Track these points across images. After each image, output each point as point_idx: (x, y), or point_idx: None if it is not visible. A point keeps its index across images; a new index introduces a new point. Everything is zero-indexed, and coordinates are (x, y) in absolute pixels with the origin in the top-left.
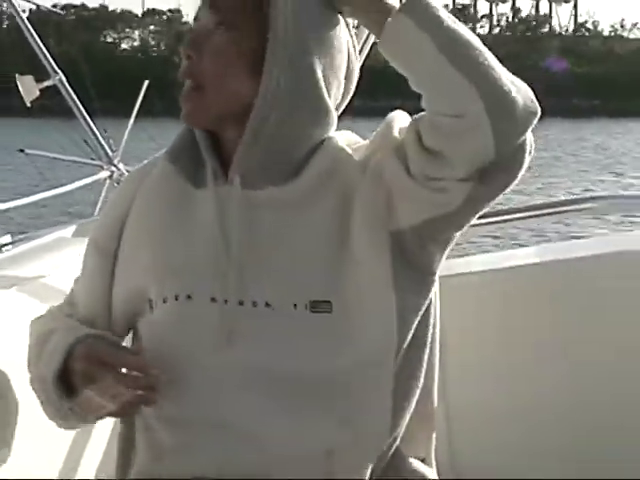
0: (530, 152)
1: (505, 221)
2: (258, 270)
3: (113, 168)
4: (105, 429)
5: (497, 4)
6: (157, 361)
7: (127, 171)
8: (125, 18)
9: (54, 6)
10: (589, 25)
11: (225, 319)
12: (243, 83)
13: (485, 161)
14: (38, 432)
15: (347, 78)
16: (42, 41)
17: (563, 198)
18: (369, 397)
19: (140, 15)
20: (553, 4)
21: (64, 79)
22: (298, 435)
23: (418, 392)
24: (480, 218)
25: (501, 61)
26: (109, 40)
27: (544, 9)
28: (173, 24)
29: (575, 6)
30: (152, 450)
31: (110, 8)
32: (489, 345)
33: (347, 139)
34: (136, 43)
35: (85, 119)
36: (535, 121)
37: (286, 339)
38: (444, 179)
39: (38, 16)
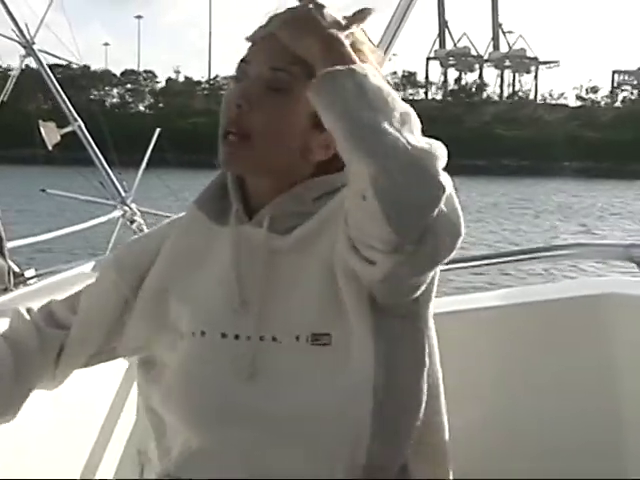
0: (455, 235)
1: (488, 265)
2: (267, 307)
3: (126, 208)
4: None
5: (466, 73)
6: (174, 386)
7: (139, 211)
8: (105, 77)
9: (57, 65)
10: (521, 94)
11: (234, 354)
12: (290, 145)
13: (387, 243)
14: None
15: None
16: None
17: (543, 245)
18: (349, 432)
19: (119, 75)
20: (516, 74)
21: (83, 126)
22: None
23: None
24: (462, 262)
25: (445, 122)
26: (92, 97)
27: (508, 79)
28: (148, 83)
29: (536, 77)
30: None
31: (92, 68)
32: (485, 374)
33: None
34: (115, 100)
35: (101, 162)
36: (434, 212)
37: (287, 372)
38: (371, 249)
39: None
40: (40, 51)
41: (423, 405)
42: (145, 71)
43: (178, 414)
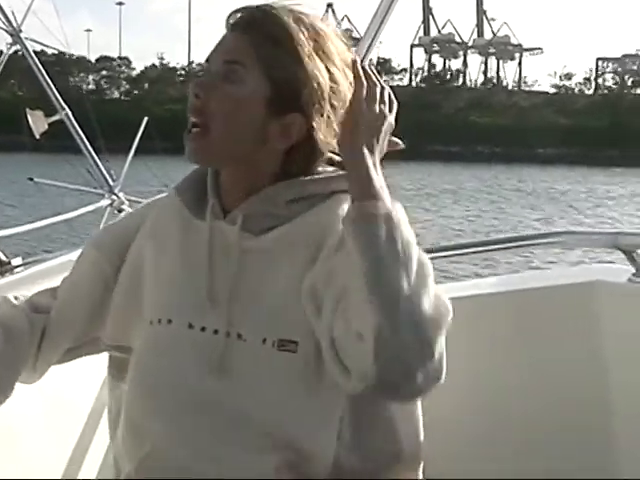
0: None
1: (474, 252)
2: (236, 304)
3: (114, 197)
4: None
5: (450, 60)
6: (138, 373)
7: (127, 200)
8: (80, 64)
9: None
10: (495, 80)
11: (198, 345)
12: (244, 136)
13: (364, 375)
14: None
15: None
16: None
17: (532, 232)
18: (314, 440)
19: (94, 61)
20: (500, 62)
21: (70, 114)
22: (241, 463)
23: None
24: (448, 250)
25: (420, 109)
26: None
27: (490, 66)
28: (124, 70)
29: (519, 64)
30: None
31: (67, 55)
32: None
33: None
34: (91, 86)
35: (89, 150)
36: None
37: (249, 371)
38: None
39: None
40: (27, 39)
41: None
42: (120, 57)
43: (142, 404)
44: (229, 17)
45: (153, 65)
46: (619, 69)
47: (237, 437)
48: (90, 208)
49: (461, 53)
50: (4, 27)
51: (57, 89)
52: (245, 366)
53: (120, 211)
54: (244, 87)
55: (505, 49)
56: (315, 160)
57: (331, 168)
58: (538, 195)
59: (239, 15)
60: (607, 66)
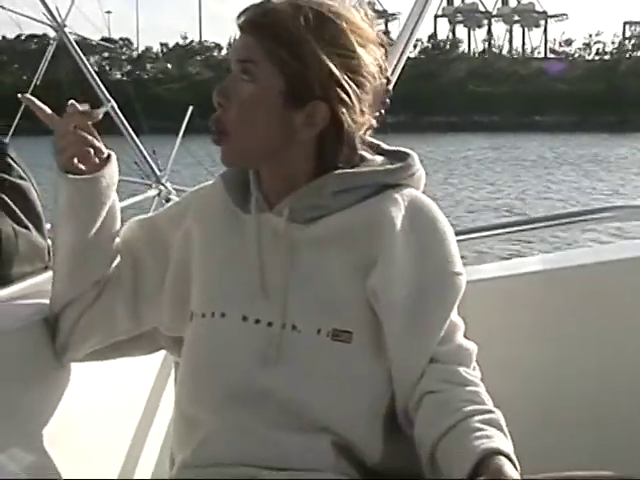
0: None
1: (524, 230)
2: (289, 295)
3: (161, 187)
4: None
5: (474, 29)
6: (193, 365)
7: (174, 189)
8: (81, 45)
9: (32, 35)
10: (495, 49)
11: (254, 337)
12: (267, 133)
13: None
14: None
15: (377, 104)
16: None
17: (584, 208)
18: (360, 429)
19: (95, 43)
20: (525, 29)
21: (116, 106)
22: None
23: None
24: (498, 228)
25: (420, 79)
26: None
27: (510, 34)
28: (125, 51)
29: (545, 31)
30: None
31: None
32: (513, 343)
33: (411, 198)
34: (94, 68)
35: (135, 143)
36: None
37: (304, 362)
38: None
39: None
40: (71, 33)
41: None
42: (122, 39)
43: (198, 395)
44: (237, 19)
45: (150, 47)
46: None
47: (292, 422)
48: (138, 198)
49: (485, 22)
50: (49, 22)
51: (103, 82)
52: (300, 356)
53: (168, 200)
54: (258, 83)
55: (530, 16)
56: (350, 143)
57: (380, 158)
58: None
59: (243, 17)
60: (635, 30)
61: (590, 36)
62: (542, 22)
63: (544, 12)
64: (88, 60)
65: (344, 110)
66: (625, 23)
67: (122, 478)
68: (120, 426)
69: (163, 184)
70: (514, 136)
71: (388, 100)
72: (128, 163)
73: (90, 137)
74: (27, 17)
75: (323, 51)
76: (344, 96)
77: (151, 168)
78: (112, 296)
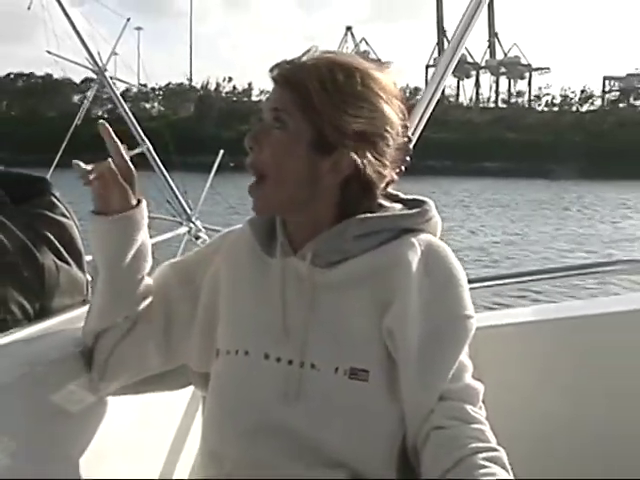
0: None
1: (538, 280)
2: (309, 335)
3: (191, 224)
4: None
5: (462, 79)
6: (218, 401)
7: (204, 228)
8: (66, 86)
9: (20, 74)
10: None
11: (274, 374)
12: (296, 178)
13: None
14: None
15: (400, 157)
16: None
17: (599, 260)
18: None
19: (78, 83)
20: (511, 80)
21: (151, 148)
22: None
23: None
24: (513, 277)
25: None
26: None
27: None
28: (105, 91)
29: (529, 83)
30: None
31: (54, 76)
32: (522, 387)
33: (427, 242)
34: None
35: (168, 182)
36: None
37: (322, 399)
38: None
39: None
40: (111, 78)
41: None
42: None
43: (221, 429)
44: (270, 72)
45: (130, 88)
46: (623, 86)
47: (311, 458)
48: (169, 235)
49: (473, 73)
50: (90, 67)
51: (140, 124)
52: (318, 394)
53: (197, 238)
54: (289, 130)
55: (515, 69)
56: (371, 193)
57: (399, 206)
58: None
59: (276, 71)
60: (614, 84)
61: (537, 89)
62: (527, 74)
63: (529, 65)
64: (72, 99)
65: (367, 161)
66: (605, 78)
67: None
68: (150, 458)
69: (193, 222)
70: (465, 180)
71: (408, 158)
72: (160, 201)
73: (122, 181)
74: (71, 62)
75: (349, 105)
76: (368, 148)
77: (182, 207)
78: (144, 333)
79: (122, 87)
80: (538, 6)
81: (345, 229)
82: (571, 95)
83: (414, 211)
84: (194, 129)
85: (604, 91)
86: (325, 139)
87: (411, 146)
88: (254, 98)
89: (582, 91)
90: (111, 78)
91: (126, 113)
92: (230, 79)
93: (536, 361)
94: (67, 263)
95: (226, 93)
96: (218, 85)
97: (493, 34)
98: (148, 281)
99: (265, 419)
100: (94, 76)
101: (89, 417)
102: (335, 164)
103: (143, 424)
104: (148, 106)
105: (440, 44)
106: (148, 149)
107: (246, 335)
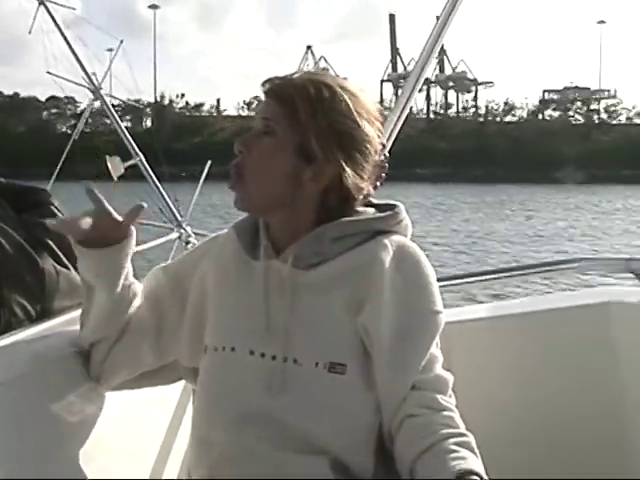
0: None
1: (496, 279)
2: (291, 332)
3: (182, 230)
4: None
5: (463, 93)
6: (207, 392)
7: (194, 233)
8: (31, 103)
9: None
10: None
11: (259, 369)
12: (278, 181)
13: None
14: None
15: (376, 166)
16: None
17: (551, 259)
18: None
19: (44, 100)
20: (459, 94)
21: (144, 159)
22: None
23: None
24: (471, 276)
25: None
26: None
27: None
28: (70, 107)
29: (475, 96)
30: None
31: (21, 95)
32: (489, 377)
33: (399, 243)
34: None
35: (160, 191)
36: None
37: (304, 391)
38: None
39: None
40: (107, 95)
41: None
42: (66, 97)
43: (210, 418)
44: (262, 86)
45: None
46: (562, 99)
47: (294, 444)
48: (162, 240)
49: (424, 87)
50: (87, 85)
51: (133, 138)
52: (300, 387)
53: (187, 243)
54: (276, 138)
55: (462, 83)
56: (348, 203)
57: (372, 210)
58: None
59: (268, 85)
60: (552, 97)
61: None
62: (473, 88)
63: (474, 80)
64: (39, 115)
65: (346, 174)
66: (544, 91)
67: None
68: (145, 447)
69: (184, 228)
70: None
71: (384, 175)
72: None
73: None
74: (70, 81)
75: (332, 121)
76: (348, 161)
77: (173, 214)
78: (137, 336)
79: (89, 104)
80: (484, 25)
81: (323, 233)
82: (495, 107)
83: (386, 214)
84: (148, 142)
85: (541, 102)
86: (309, 149)
87: (386, 164)
88: (204, 114)
89: (505, 103)
90: (110, 96)
91: (121, 130)
92: (183, 95)
93: (502, 352)
94: (66, 267)
95: (179, 108)
96: (171, 101)
97: (442, 51)
98: (137, 287)
99: (250, 409)
100: (61, 95)
101: (88, 411)
102: (316, 173)
103: (139, 417)
104: (108, 121)
105: (393, 61)
106: (141, 161)
107: (233, 333)
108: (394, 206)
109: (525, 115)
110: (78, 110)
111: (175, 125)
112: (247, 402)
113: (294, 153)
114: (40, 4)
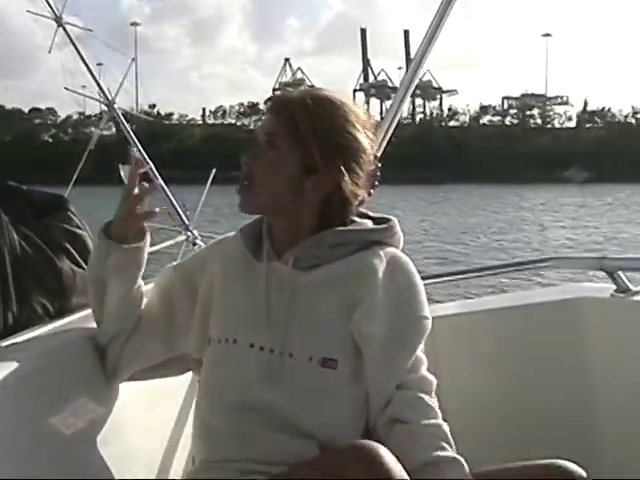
0: None
1: (474, 277)
2: (288, 328)
3: (189, 233)
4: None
5: (384, 101)
6: (209, 380)
7: (200, 236)
8: (15, 115)
9: None
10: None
11: (258, 360)
12: (281, 191)
13: None
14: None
15: (370, 172)
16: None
17: (527, 259)
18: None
19: (27, 112)
20: (425, 101)
21: (154, 167)
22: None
23: None
24: (449, 275)
25: None
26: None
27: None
28: (50, 118)
29: (440, 103)
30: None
31: (6, 107)
32: (477, 370)
33: (392, 254)
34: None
35: (169, 197)
36: None
37: (297, 383)
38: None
39: None
40: (119, 109)
41: None
42: (47, 108)
43: (211, 403)
44: (264, 103)
45: (70, 116)
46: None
47: (287, 429)
48: (170, 242)
49: (393, 95)
50: (101, 99)
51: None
52: (294, 379)
53: (194, 245)
54: (280, 151)
55: (428, 91)
56: (347, 209)
57: (369, 222)
58: None
59: (270, 103)
60: (511, 103)
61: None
62: (438, 96)
63: (439, 88)
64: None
65: (345, 182)
66: (503, 98)
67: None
68: (157, 433)
69: (191, 231)
70: None
71: (377, 182)
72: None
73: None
74: (85, 96)
75: (332, 133)
76: (346, 171)
77: (181, 218)
78: (150, 330)
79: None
80: (448, 37)
81: (322, 239)
82: (439, 112)
83: (382, 227)
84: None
85: (503, 109)
86: (310, 161)
87: (378, 173)
88: (174, 121)
89: (449, 109)
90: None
91: (131, 138)
92: (154, 105)
93: (480, 345)
94: (82, 268)
95: (153, 117)
96: (146, 111)
97: (409, 61)
98: (143, 287)
99: (249, 397)
100: (42, 107)
101: (103, 403)
102: (317, 183)
103: (151, 405)
104: (87, 131)
105: (365, 71)
106: (151, 168)
107: (235, 326)
108: (389, 220)
109: (467, 120)
110: (58, 120)
111: (145, 133)
112: (246, 390)
113: (296, 165)
114: (59, 26)
